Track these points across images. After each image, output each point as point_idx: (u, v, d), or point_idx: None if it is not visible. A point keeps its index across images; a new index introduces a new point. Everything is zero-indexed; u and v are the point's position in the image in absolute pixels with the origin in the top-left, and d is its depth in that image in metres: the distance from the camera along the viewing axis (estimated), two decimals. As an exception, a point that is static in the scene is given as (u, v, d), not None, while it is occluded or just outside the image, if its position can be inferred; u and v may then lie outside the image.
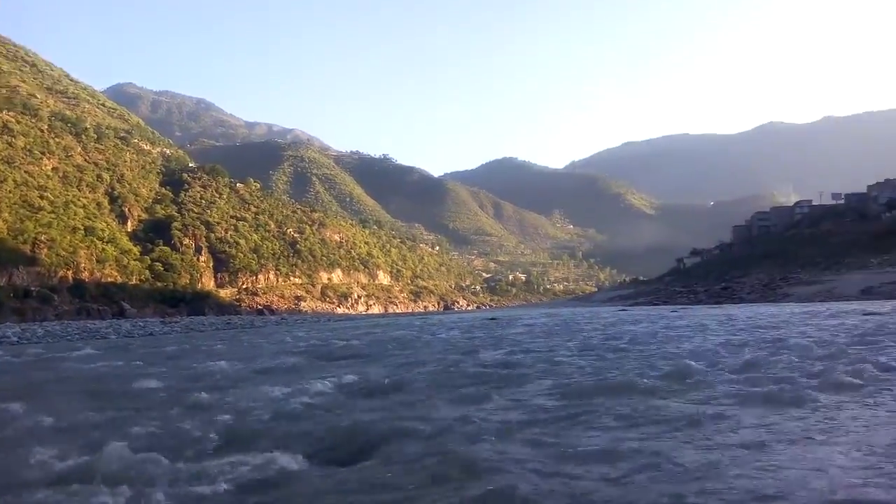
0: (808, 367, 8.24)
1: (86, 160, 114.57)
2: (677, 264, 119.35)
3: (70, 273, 79.29)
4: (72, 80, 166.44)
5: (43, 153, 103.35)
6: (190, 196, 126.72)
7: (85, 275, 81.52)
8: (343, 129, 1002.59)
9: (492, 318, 34.38)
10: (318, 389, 7.88)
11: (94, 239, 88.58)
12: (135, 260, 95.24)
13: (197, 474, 4.29)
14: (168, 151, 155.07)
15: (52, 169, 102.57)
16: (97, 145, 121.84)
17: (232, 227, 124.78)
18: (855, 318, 18.70)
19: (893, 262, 54.09)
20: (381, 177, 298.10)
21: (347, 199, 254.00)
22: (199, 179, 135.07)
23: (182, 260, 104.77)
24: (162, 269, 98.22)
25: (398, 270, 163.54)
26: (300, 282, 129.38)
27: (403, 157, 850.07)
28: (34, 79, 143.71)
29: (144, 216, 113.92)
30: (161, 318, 64.99)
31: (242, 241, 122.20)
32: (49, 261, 76.76)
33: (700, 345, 12.53)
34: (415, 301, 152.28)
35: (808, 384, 6.98)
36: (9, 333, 30.75)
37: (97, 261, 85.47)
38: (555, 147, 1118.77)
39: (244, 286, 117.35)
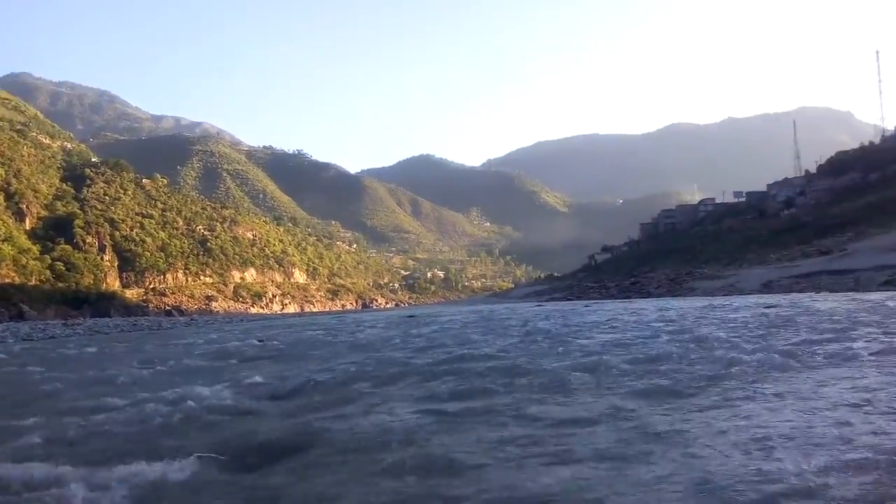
0: (710, 358, 8.50)
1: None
2: (589, 261, 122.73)
3: (-38, 274, 74.44)
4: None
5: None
6: (93, 192, 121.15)
7: (-22, 276, 76.71)
8: (255, 123, 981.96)
9: (410, 316, 34.25)
10: (227, 392, 7.56)
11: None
12: (34, 259, 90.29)
13: (92, 483, 4.02)
14: (69, 146, 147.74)
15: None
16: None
17: (138, 224, 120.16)
18: (756, 310, 19.58)
19: (791, 257, 57.16)
20: (296, 173, 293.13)
21: (260, 196, 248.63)
22: (103, 175, 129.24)
23: (85, 259, 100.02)
24: (64, 268, 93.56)
25: (315, 269, 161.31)
26: (211, 281, 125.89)
27: (319, 153, 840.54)
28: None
29: (44, 213, 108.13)
30: (63, 321, 61.74)
31: (149, 240, 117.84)
32: (-61, 261, 71.85)
33: (608, 338, 12.77)
34: (332, 300, 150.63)
35: (708, 374, 7.21)
36: None
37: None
38: (471, 145, 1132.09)
39: (151, 286, 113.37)
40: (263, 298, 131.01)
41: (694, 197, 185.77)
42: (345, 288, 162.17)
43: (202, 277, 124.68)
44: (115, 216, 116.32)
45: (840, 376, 6.79)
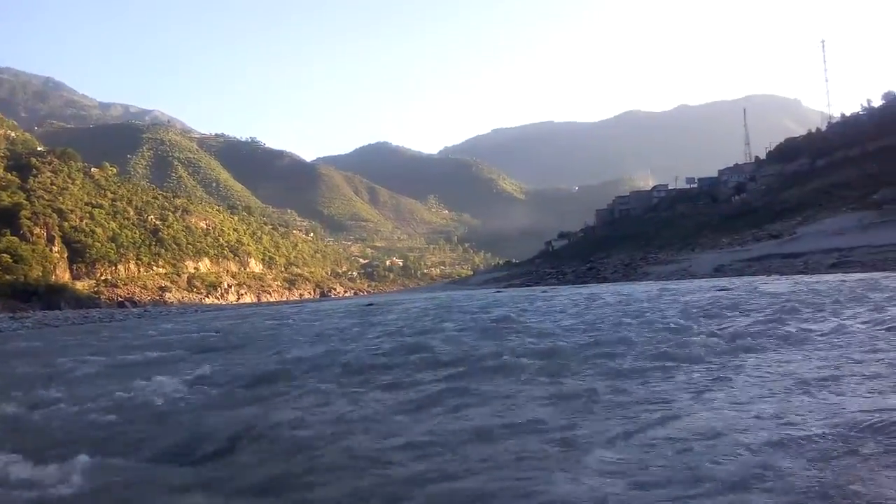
0: (664, 340, 8.59)
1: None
2: (546, 247, 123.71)
3: None
4: None
5: None
6: (39, 182, 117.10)
7: (-83, 269, 73.71)
8: (207, 110, 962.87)
9: (369, 304, 34.06)
10: (179, 384, 7.37)
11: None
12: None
13: (38, 478, 3.91)
14: (13, 134, 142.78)
15: None
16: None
17: (87, 214, 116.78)
18: (708, 293, 19.93)
19: (742, 241, 58.46)
20: (250, 161, 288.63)
21: (213, 185, 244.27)
22: (50, 164, 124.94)
23: (33, 251, 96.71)
24: (10, 260, 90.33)
25: (271, 258, 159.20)
26: (164, 272, 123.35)
27: (273, 141, 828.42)
28: None
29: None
30: (11, 314, 59.72)
31: (99, 230, 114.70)
32: None
33: (565, 322, 12.85)
34: (289, 289, 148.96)
35: (662, 355, 7.30)
36: None
37: (-69, 254, 77.50)
38: (428, 133, 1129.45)
39: (103, 277, 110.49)
40: (218, 289, 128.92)
41: (648, 183, 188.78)
42: (302, 277, 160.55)
43: (155, 268, 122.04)
44: (63, 206, 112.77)
45: (786, 357, 6.90)
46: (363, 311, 25.51)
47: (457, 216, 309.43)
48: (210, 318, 33.34)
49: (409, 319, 18.26)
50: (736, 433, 4.14)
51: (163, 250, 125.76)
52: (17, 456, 4.38)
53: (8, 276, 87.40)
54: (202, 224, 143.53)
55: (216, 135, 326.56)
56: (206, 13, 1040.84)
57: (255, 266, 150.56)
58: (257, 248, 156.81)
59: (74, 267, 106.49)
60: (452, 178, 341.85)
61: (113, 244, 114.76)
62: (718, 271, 41.47)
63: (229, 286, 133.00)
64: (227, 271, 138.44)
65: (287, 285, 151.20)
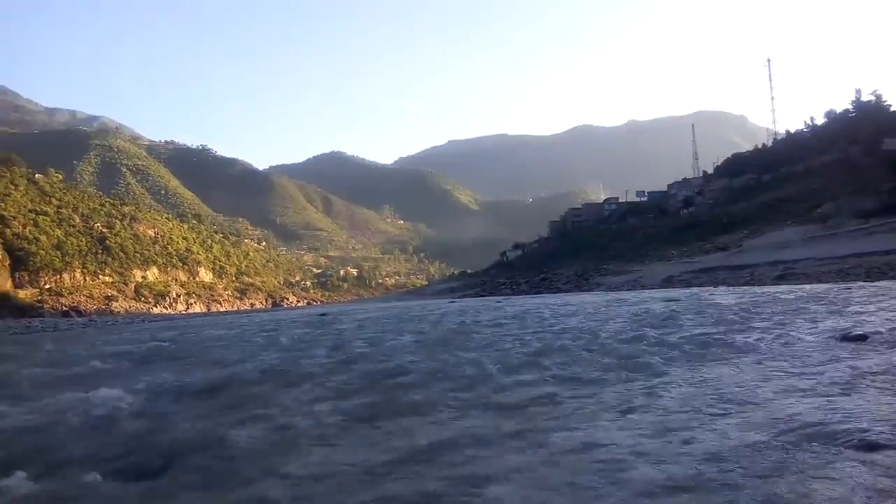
0: (613, 350, 8.67)
1: None
2: (501, 257, 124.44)
3: None
4: None
5: None
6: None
7: None
8: (157, 117, 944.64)
9: (322, 315, 33.64)
10: (124, 395, 7.11)
11: None
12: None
13: None
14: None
15: None
16: None
17: (31, 221, 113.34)
18: (658, 304, 20.25)
19: (690, 253, 59.75)
20: (201, 169, 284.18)
21: (163, 192, 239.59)
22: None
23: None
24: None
25: (221, 267, 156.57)
26: (111, 280, 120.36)
27: (225, 149, 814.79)
28: None
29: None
30: (-57, 325, 57.36)
31: (43, 238, 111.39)
32: None
33: (514, 332, 12.88)
34: (240, 299, 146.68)
35: (611, 365, 7.36)
36: None
37: None
38: (383, 142, 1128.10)
39: (47, 286, 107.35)
40: (167, 298, 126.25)
41: (600, 196, 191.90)
42: (254, 287, 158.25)
43: (101, 277, 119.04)
44: (5, 213, 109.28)
45: (726, 367, 7.01)
46: (315, 322, 25.18)
47: (412, 226, 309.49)
48: (158, 327, 32.50)
49: (362, 329, 18.09)
50: (667, 443, 4.18)
51: (109, 259, 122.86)
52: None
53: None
54: (150, 232, 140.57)
55: (166, 142, 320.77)
56: (155, 19, 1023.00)
57: (205, 275, 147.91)
58: (207, 256, 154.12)
59: (17, 275, 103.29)
60: (408, 188, 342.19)
61: (58, 252, 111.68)
62: (668, 282, 42.25)
63: (178, 295, 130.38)
64: (176, 280, 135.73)
65: (238, 295, 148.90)
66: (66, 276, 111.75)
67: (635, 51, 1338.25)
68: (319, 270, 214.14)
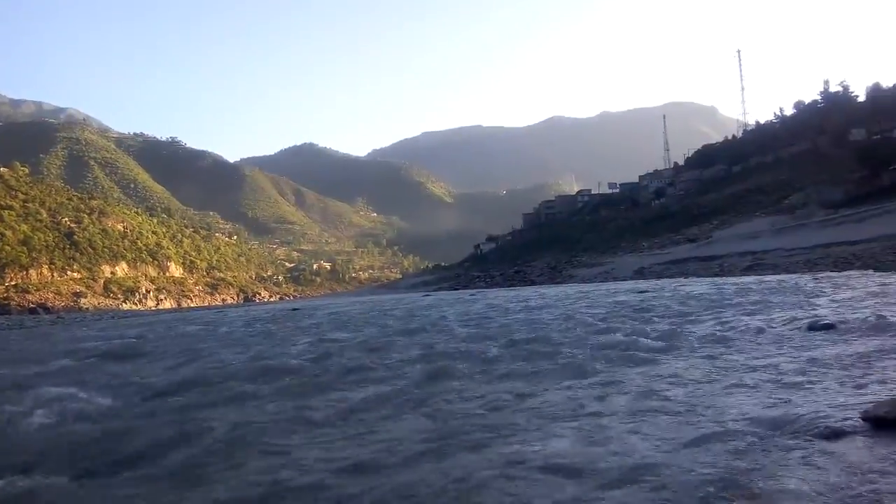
0: (588, 341, 8.65)
1: None
2: (475, 250, 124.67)
3: None
4: None
5: None
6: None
7: None
8: (125, 109, 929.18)
9: (294, 310, 33.32)
10: (91, 393, 6.92)
11: None
12: None
13: None
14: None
15: None
16: None
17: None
18: (630, 295, 20.37)
19: (662, 244, 60.36)
20: (170, 161, 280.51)
21: (131, 186, 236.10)
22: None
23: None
24: None
25: (192, 262, 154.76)
26: (79, 276, 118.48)
27: (195, 141, 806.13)
28: None
29: None
30: None
31: (9, 233, 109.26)
32: None
33: (489, 325, 12.84)
34: (212, 294, 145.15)
35: (586, 357, 7.32)
36: None
37: None
38: (356, 134, 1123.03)
39: (13, 283, 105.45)
40: (136, 294, 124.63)
41: (573, 188, 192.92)
42: (225, 282, 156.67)
43: (69, 272, 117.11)
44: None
45: (693, 358, 7.01)
46: (288, 317, 24.94)
47: (386, 219, 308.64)
48: (128, 324, 31.97)
49: (334, 324, 17.94)
50: (631, 434, 4.15)
51: (78, 254, 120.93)
52: None
53: None
54: (119, 226, 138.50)
55: (135, 134, 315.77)
56: (121, 9, 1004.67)
57: (176, 270, 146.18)
58: (177, 251, 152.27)
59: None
60: (381, 180, 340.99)
61: (24, 248, 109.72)
62: (639, 274, 42.61)
63: (148, 291, 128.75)
64: (146, 276, 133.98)
65: (209, 290, 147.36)
66: (32, 272, 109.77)
67: (607, 42, 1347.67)
68: (292, 265, 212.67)
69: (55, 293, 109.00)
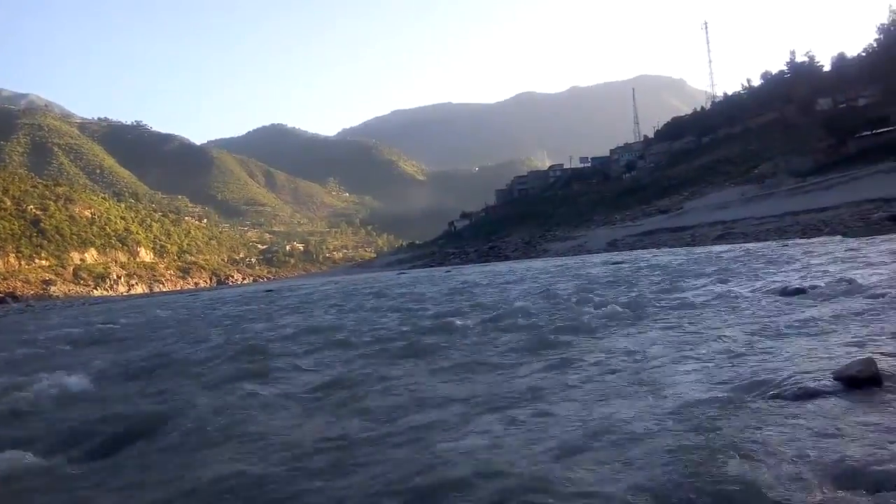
0: (553, 315, 8.69)
1: None
2: (449, 227, 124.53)
3: None
4: None
5: None
6: None
7: None
8: (88, 93, 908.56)
9: (268, 291, 33.13)
10: (62, 379, 6.81)
11: None
12: None
13: None
14: None
15: None
16: None
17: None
18: (603, 267, 20.51)
19: (634, 217, 60.83)
20: (136, 146, 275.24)
21: (97, 171, 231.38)
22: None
23: None
24: None
25: (162, 246, 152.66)
26: (48, 264, 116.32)
27: (160, 125, 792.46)
28: None
29: None
30: None
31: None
32: None
33: (465, 301, 12.85)
34: (184, 278, 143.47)
35: (554, 329, 7.36)
36: None
37: None
38: (325, 114, 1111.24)
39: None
40: (107, 280, 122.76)
41: (545, 163, 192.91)
42: (197, 265, 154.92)
43: (37, 260, 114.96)
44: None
45: (665, 327, 7.08)
46: (262, 298, 24.77)
47: (358, 199, 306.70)
48: (98, 310, 31.52)
49: (309, 304, 17.86)
50: (613, 398, 4.19)
51: (45, 241, 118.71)
52: None
53: None
54: (87, 213, 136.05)
55: (99, 119, 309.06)
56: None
57: (146, 255, 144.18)
58: (147, 236, 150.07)
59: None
60: (352, 160, 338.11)
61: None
62: (612, 246, 42.93)
63: (119, 277, 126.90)
64: (116, 261, 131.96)
65: (181, 274, 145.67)
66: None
67: (576, 16, 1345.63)
68: (264, 246, 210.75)
69: (23, 281, 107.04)
